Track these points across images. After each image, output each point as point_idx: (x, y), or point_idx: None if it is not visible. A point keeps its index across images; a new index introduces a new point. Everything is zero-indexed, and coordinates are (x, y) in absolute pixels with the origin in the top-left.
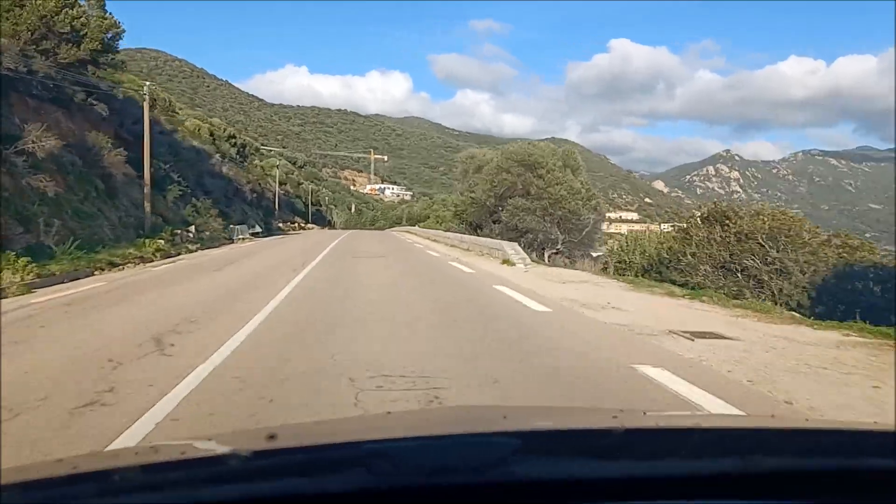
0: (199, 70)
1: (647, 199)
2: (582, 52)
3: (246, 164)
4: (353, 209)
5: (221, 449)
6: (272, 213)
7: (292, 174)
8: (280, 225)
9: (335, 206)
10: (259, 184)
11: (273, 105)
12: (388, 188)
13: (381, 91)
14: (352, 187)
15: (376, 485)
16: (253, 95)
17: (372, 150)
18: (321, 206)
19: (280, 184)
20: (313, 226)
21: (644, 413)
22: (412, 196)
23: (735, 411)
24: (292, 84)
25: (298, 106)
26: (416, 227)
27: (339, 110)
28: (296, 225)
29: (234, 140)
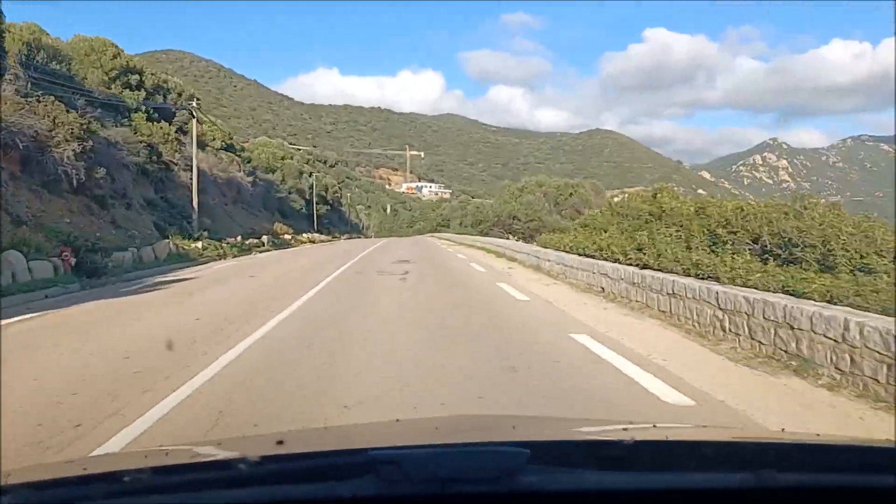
0: (226, 70)
1: (700, 191)
2: (617, 42)
3: (174, 120)
4: (388, 210)
5: (230, 453)
6: (189, 220)
7: (289, 159)
8: (197, 246)
9: (369, 206)
10: (157, 155)
11: (304, 104)
12: (426, 186)
13: (414, 90)
14: (387, 186)
15: (385, 492)
16: (283, 94)
17: (408, 147)
18: (342, 206)
19: (268, 170)
20: (315, 237)
21: (654, 425)
22: (452, 194)
23: None
24: (324, 86)
25: (331, 105)
26: (542, 250)
27: (373, 108)
28: (262, 241)
29: (134, 74)
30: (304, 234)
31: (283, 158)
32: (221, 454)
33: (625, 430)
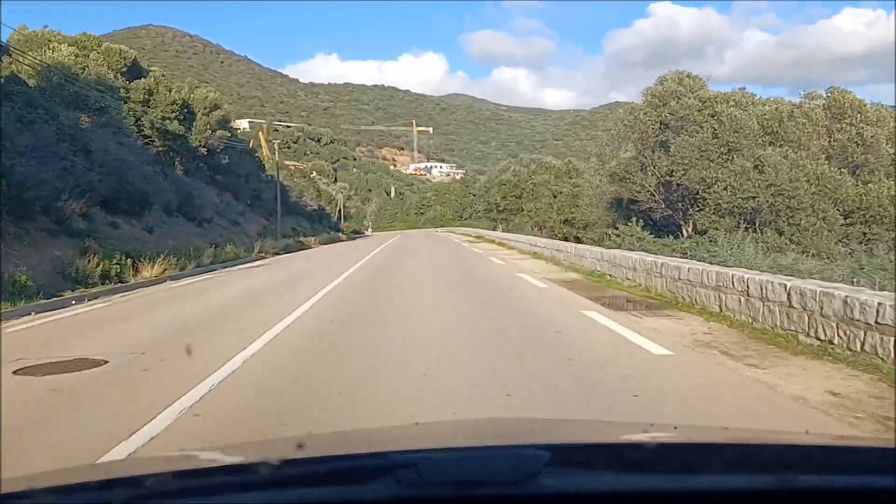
0: (213, 46)
1: None
2: (621, 18)
3: None
4: (392, 193)
5: (251, 457)
6: None
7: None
8: None
9: (369, 190)
10: None
11: (299, 82)
12: (436, 167)
13: (417, 73)
14: (392, 168)
15: (405, 495)
16: (275, 71)
17: (414, 122)
18: (261, 162)
19: None
20: None
21: (675, 427)
22: (465, 175)
23: None
24: (324, 72)
25: (329, 83)
26: None
27: (376, 86)
28: None
29: None
30: None
31: None
32: (242, 458)
33: (645, 431)
